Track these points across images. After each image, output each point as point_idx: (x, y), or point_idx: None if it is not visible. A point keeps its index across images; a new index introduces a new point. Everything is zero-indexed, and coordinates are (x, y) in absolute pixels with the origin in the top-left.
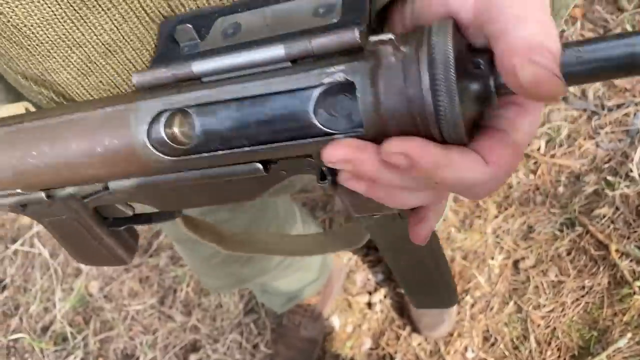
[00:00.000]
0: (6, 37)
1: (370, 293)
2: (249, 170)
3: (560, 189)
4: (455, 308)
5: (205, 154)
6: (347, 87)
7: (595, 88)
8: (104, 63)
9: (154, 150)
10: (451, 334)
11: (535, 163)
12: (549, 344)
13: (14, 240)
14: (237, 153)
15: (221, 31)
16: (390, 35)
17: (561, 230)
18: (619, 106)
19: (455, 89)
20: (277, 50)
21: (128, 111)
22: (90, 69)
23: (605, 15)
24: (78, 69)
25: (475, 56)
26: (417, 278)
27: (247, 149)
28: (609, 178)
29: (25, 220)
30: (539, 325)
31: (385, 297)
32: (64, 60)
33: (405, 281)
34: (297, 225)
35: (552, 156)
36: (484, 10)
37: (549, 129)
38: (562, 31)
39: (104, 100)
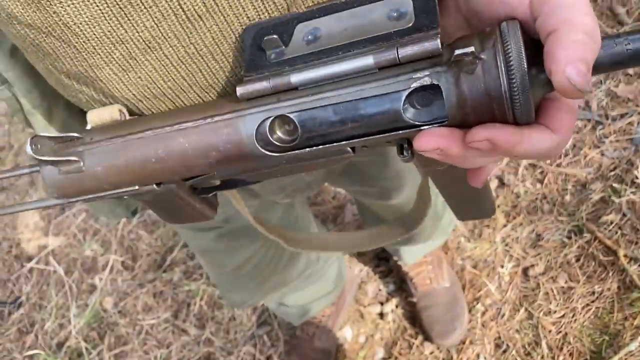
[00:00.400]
0: (56, 35)
1: (382, 303)
2: (340, 156)
3: (567, 197)
4: (466, 316)
5: (307, 149)
6: (431, 86)
7: (598, 99)
8: (143, 59)
9: (262, 150)
10: (463, 342)
11: (542, 172)
12: (561, 349)
13: (30, 259)
14: (335, 146)
15: (302, 37)
16: (471, 49)
17: (569, 238)
18: (622, 116)
19: (528, 84)
20: (366, 61)
21: (237, 119)
22: (130, 65)
23: (607, 29)
24: (119, 65)
25: (534, 49)
26: (461, 195)
27: (343, 142)
28: (615, 185)
29: (41, 239)
30: (550, 331)
31: (396, 307)
32: (107, 57)
33: (451, 198)
34: (312, 229)
35: (558, 165)
36: (538, 6)
37: None
38: None
39: (206, 109)
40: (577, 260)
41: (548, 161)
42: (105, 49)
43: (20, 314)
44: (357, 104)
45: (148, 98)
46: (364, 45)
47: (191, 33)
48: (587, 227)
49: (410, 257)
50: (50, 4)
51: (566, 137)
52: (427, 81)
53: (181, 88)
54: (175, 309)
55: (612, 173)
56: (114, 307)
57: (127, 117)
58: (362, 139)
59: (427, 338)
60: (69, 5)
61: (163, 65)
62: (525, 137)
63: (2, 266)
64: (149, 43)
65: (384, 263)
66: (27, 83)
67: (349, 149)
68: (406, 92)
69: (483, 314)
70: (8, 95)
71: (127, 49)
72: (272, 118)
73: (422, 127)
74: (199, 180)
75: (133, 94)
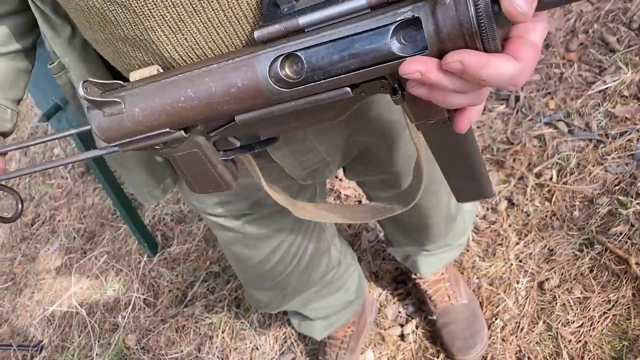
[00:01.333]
0: (120, 2)
1: (402, 325)
2: (341, 94)
3: (576, 213)
4: (486, 331)
5: (312, 84)
6: (413, 22)
7: (597, 120)
8: (189, 22)
9: (274, 85)
10: (484, 357)
11: (550, 191)
12: (582, 357)
13: (52, 303)
14: (335, 80)
15: None
16: None
17: (581, 250)
18: (621, 134)
19: (491, 13)
20: (360, 1)
21: (253, 59)
22: (179, 27)
23: (599, 57)
24: (170, 27)
25: None
26: (459, 170)
27: (342, 76)
28: (621, 198)
29: (63, 282)
30: (570, 341)
31: (417, 327)
32: (160, 19)
33: (450, 175)
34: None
35: (565, 183)
36: None
37: (559, 159)
38: (562, 73)
39: (230, 54)
40: (591, 271)
41: (554, 180)
42: (159, 12)
43: (42, 356)
44: (353, 39)
45: (191, 59)
46: None
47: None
48: (597, 239)
49: (428, 268)
50: None
51: (529, 67)
52: (409, 15)
53: (219, 49)
54: (198, 342)
55: (617, 187)
56: (137, 344)
57: None
58: (358, 71)
59: (449, 355)
60: None
61: (206, 28)
62: (492, 60)
63: (24, 312)
64: (195, 7)
65: (402, 286)
66: (82, 68)
67: (348, 88)
68: (393, 26)
69: (502, 328)
70: (65, 81)
71: (177, 12)
72: (283, 56)
73: (406, 59)
74: (222, 132)
75: (179, 55)
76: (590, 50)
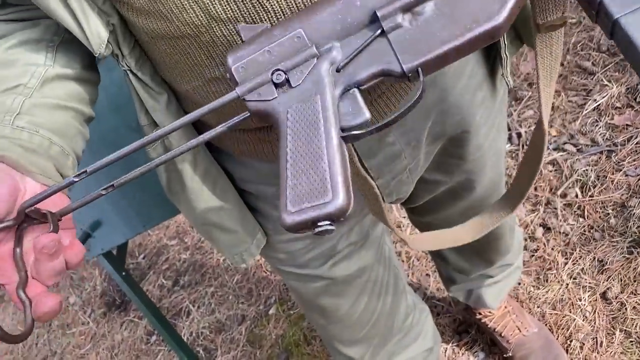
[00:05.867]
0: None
1: None
2: None
3: (612, 220)
4: (565, 355)
5: None
6: None
7: (601, 133)
8: None
9: None
10: None
11: (579, 207)
12: None
13: None
14: None
15: None
16: None
17: (631, 253)
18: (628, 139)
19: None
20: None
21: None
22: None
23: (582, 81)
24: None
25: None
26: None
27: None
28: None
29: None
30: None
31: None
32: None
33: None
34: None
35: (591, 196)
36: None
37: (578, 176)
38: (552, 103)
39: None
40: None
41: (580, 197)
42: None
43: None
44: None
45: None
46: None
47: None
48: None
49: (494, 298)
50: None
51: None
52: None
53: None
54: None
55: None
56: None
57: None
58: None
59: None
60: None
61: None
62: None
63: None
64: None
65: (465, 335)
66: (179, 131)
67: None
68: None
69: (581, 348)
70: (160, 151)
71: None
72: None
73: None
74: None
75: None
76: (572, 78)
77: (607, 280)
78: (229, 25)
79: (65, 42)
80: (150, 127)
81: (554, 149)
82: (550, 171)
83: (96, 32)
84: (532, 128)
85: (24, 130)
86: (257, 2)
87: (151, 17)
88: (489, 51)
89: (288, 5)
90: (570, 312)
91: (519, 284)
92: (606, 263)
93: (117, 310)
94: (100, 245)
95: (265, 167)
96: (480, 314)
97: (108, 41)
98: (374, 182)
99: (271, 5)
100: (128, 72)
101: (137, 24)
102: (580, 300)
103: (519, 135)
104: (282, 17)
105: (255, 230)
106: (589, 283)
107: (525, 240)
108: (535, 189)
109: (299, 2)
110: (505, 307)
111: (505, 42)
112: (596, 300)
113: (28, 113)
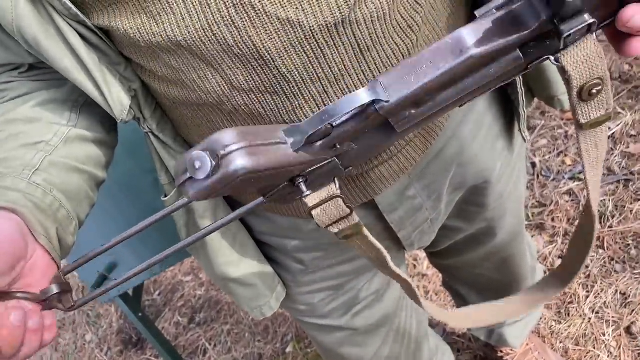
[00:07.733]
0: (271, 90)
1: None
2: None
3: (633, 252)
4: None
5: None
6: None
7: (617, 162)
8: (331, 92)
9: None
10: None
11: (599, 238)
12: None
13: None
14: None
15: None
16: None
17: None
18: None
19: None
20: None
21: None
22: (322, 99)
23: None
24: (315, 101)
25: None
26: None
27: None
28: None
29: None
30: None
31: None
32: (307, 96)
33: None
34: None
35: (610, 227)
36: None
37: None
38: (566, 132)
39: None
40: None
41: (599, 227)
42: (307, 88)
43: None
44: None
45: None
46: None
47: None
48: None
49: (516, 338)
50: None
51: None
52: None
53: None
54: None
55: None
56: None
57: None
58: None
59: None
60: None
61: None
62: None
63: None
64: (336, 75)
65: None
66: (205, 204)
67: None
68: None
69: None
70: (185, 219)
71: (322, 84)
72: None
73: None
74: None
75: None
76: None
77: (630, 314)
78: (250, 95)
79: (88, 103)
80: (171, 186)
81: (569, 179)
82: (567, 201)
83: (118, 100)
84: (547, 157)
85: (39, 187)
86: (278, 72)
87: (173, 85)
88: (507, 104)
89: (309, 75)
90: (594, 347)
91: (540, 318)
92: (629, 296)
93: (133, 349)
94: (117, 287)
95: (286, 222)
96: (501, 351)
97: (130, 107)
98: (409, 279)
99: (292, 76)
100: (149, 134)
101: (159, 90)
102: (604, 335)
103: (534, 165)
104: (303, 86)
105: (274, 283)
106: (612, 317)
107: (545, 272)
108: (553, 219)
109: (320, 72)
110: (527, 345)
111: (524, 99)
112: (620, 335)
113: (46, 171)
